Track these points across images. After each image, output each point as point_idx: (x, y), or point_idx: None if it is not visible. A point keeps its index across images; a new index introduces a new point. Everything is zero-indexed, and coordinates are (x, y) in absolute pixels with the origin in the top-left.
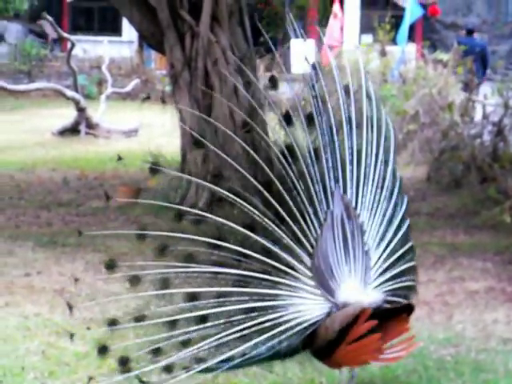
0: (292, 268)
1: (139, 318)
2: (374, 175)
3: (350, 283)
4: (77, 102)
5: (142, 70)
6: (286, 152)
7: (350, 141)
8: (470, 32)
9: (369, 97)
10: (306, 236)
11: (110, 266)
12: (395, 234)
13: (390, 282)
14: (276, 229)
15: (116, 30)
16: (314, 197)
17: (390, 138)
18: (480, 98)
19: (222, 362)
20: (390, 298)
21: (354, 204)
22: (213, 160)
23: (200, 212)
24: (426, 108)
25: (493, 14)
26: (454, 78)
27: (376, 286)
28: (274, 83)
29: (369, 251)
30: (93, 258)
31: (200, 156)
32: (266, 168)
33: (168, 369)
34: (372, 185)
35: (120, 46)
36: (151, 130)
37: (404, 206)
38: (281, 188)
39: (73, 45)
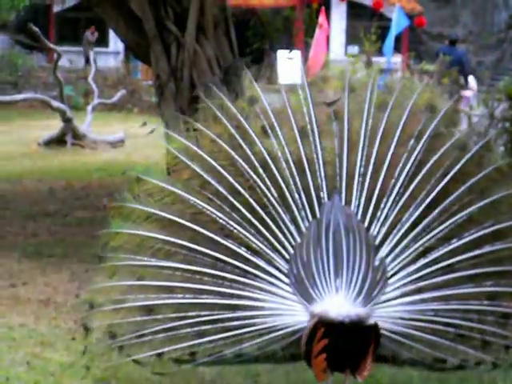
0: (267, 273)
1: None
2: (400, 189)
3: (334, 295)
4: (63, 113)
5: (128, 80)
6: (256, 162)
7: (362, 153)
8: (452, 42)
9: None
10: (280, 242)
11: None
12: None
13: (406, 308)
14: (245, 233)
15: (102, 41)
16: (292, 205)
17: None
18: (465, 109)
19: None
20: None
21: (362, 216)
22: None
23: (172, 217)
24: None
25: (479, 24)
26: (439, 89)
27: (377, 304)
28: (251, 102)
29: (381, 266)
30: (78, 269)
31: None
32: (228, 176)
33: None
34: (397, 199)
35: (106, 57)
36: (137, 141)
37: None
38: (247, 195)
39: (59, 56)
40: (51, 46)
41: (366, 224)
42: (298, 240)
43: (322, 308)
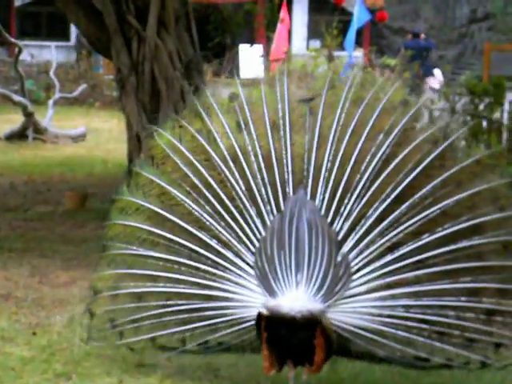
0: (235, 265)
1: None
2: (366, 184)
3: (294, 289)
4: (24, 107)
5: (89, 74)
6: (227, 156)
7: (330, 148)
8: (415, 35)
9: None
10: (246, 235)
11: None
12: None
13: (374, 304)
14: (216, 226)
15: (64, 35)
16: (259, 198)
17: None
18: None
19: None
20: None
21: (325, 211)
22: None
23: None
24: None
25: (440, 19)
26: (401, 83)
27: (340, 300)
28: (232, 98)
29: (343, 262)
30: (39, 263)
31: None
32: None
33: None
34: (362, 194)
35: (68, 51)
36: (99, 135)
37: None
38: (217, 187)
39: (20, 50)
40: (12, 40)
41: (330, 219)
42: (263, 233)
43: (276, 302)
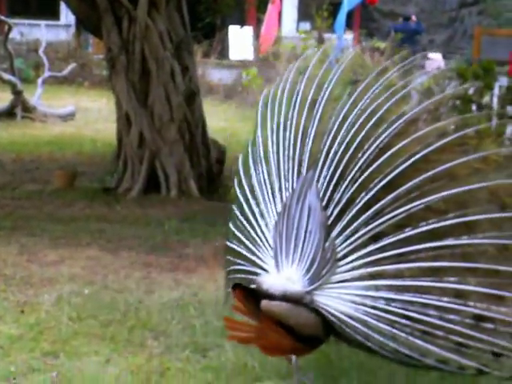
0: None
1: None
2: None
3: (287, 267)
4: (13, 86)
5: (79, 54)
6: None
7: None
8: (406, 18)
9: None
10: (271, 210)
11: None
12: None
13: (357, 292)
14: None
15: (54, 14)
16: (282, 173)
17: None
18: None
19: None
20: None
21: (323, 195)
22: (149, 144)
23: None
24: None
25: (431, 2)
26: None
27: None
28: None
29: (330, 247)
30: (28, 242)
31: (136, 140)
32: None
33: None
34: (353, 182)
35: (57, 30)
36: (88, 115)
37: None
38: None
39: (10, 28)
40: (2, 18)
41: (325, 203)
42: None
43: (262, 278)
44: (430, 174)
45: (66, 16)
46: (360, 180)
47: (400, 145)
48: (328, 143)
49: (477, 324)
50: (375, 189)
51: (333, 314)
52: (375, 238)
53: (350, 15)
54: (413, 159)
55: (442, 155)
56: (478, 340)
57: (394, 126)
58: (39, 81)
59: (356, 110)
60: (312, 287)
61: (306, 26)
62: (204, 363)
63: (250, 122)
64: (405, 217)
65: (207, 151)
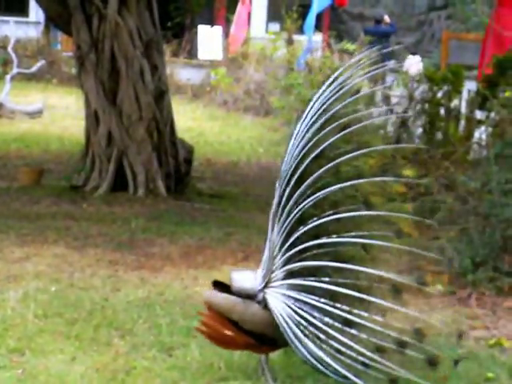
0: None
1: None
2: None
3: (259, 269)
4: None
5: (48, 51)
6: None
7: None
8: (378, 21)
9: None
10: None
11: None
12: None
13: (283, 291)
14: None
15: (23, 11)
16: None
17: None
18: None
19: None
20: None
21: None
22: (117, 143)
23: None
24: None
25: (400, 5)
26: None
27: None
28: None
29: (276, 256)
30: None
31: (104, 138)
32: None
33: None
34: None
35: (27, 27)
36: (56, 112)
37: None
38: None
39: None
40: None
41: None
42: None
43: (232, 275)
44: (323, 170)
45: (36, 13)
46: (293, 176)
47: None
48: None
49: (342, 328)
50: (291, 183)
51: (272, 311)
52: (287, 235)
53: (319, 17)
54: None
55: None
56: (348, 347)
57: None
58: (7, 77)
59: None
60: (260, 286)
61: (276, 27)
62: (170, 362)
63: (218, 122)
64: (299, 214)
65: (175, 150)
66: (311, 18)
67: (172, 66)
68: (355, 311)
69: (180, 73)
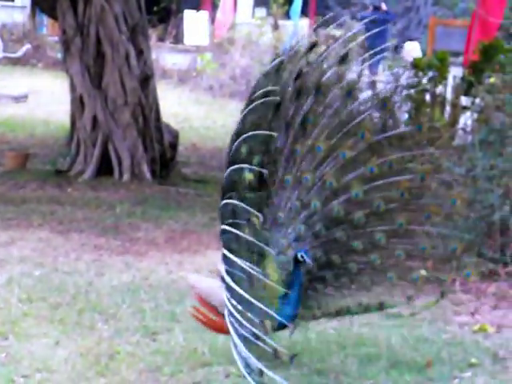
0: None
1: None
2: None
3: None
4: None
5: (33, 35)
6: None
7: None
8: (376, 8)
9: None
10: None
11: None
12: None
13: None
14: None
15: None
16: None
17: None
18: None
19: None
20: None
21: None
22: (102, 127)
23: None
24: None
25: None
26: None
27: None
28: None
29: None
30: None
31: (90, 123)
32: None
33: None
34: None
35: (12, 11)
36: (41, 96)
37: None
38: None
39: None
40: None
41: None
42: None
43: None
44: None
45: None
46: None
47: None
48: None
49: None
50: None
51: None
52: None
53: (305, 2)
54: None
55: None
56: None
57: None
58: None
59: None
60: None
61: (262, 12)
62: (154, 347)
63: (204, 107)
64: None
65: (160, 135)
66: (297, 4)
67: (158, 51)
68: None
69: (166, 58)
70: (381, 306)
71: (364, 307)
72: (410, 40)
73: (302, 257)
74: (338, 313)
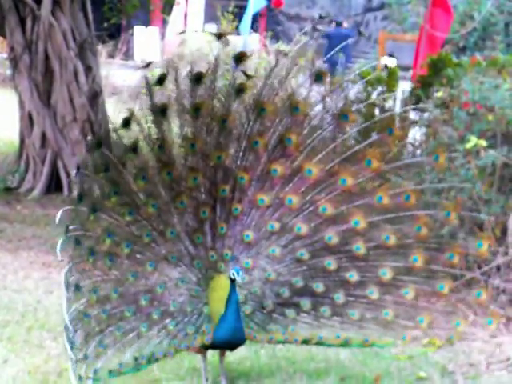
0: None
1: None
2: None
3: None
4: None
5: None
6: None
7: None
8: (338, 24)
9: None
10: None
11: None
12: None
13: None
14: None
15: None
16: None
17: None
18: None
19: None
20: None
21: None
22: (51, 144)
23: None
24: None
25: (336, 7)
26: (295, 69)
27: None
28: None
29: None
30: None
31: (38, 140)
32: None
33: None
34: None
35: None
36: None
37: None
38: None
39: None
40: None
41: None
42: None
43: None
44: None
45: None
46: None
47: None
48: None
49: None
50: None
51: None
52: None
53: (255, 18)
54: None
55: None
56: None
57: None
58: None
59: None
60: None
61: (213, 27)
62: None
63: None
64: None
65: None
66: (247, 19)
67: (108, 68)
68: None
69: (116, 74)
70: (366, 343)
71: (344, 341)
72: (390, 56)
73: (233, 274)
74: (307, 341)
